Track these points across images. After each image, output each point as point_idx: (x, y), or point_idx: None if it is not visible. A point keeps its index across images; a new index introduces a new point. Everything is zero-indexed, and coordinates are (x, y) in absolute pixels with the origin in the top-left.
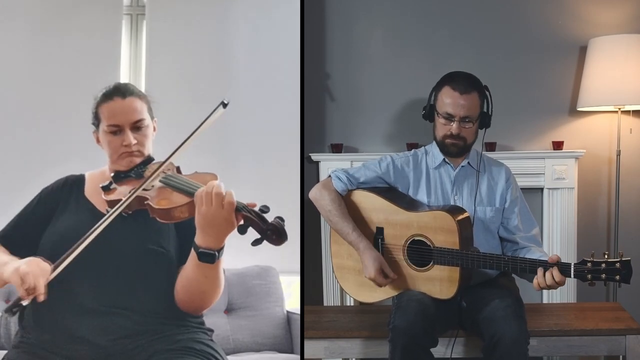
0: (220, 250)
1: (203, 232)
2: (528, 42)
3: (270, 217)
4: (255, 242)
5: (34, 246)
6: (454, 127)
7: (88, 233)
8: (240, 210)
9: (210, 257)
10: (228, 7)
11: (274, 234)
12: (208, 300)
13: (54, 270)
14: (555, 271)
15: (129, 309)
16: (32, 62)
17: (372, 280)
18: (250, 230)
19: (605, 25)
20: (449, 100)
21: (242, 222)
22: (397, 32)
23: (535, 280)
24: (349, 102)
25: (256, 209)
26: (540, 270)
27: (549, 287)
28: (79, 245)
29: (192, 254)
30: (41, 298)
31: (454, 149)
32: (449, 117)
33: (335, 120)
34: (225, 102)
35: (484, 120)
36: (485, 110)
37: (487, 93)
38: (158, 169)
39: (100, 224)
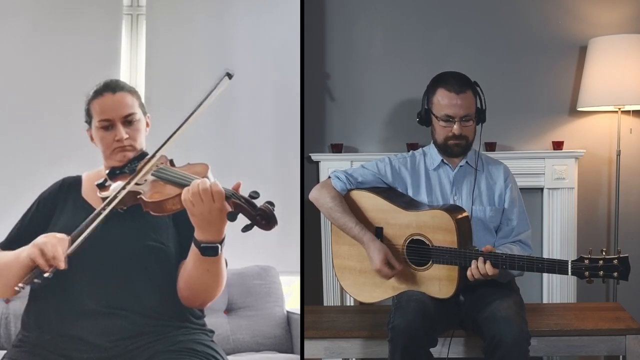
0: (221, 241)
1: (202, 229)
2: (528, 42)
3: (260, 202)
4: (246, 228)
5: None
6: (455, 128)
7: (100, 207)
8: (230, 197)
9: (213, 250)
10: (228, 7)
11: (263, 219)
12: (212, 294)
13: (72, 242)
14: (487, 264)
15: (130, 310)
16: (32, 62)
17: (378, 272)
18: (241, 216)
19: (605, 25)
20: (446, 102)
21: (231, 210)
22: (397, 32)
23: (469, 271)
24: (349, 102)
25: (245, 194)
26: (473, 262)
27: (482, 277)
28: (94, 219)
29: (193, 250)
30: (62, 266)
31: (458, 149)
32: (449, 119)
33: (335, 120)
34: (231, 72)
35: (480, 116)
36: (479, 106)
37: (478, 89)
38: (153, 156)
39: (107, 203)
